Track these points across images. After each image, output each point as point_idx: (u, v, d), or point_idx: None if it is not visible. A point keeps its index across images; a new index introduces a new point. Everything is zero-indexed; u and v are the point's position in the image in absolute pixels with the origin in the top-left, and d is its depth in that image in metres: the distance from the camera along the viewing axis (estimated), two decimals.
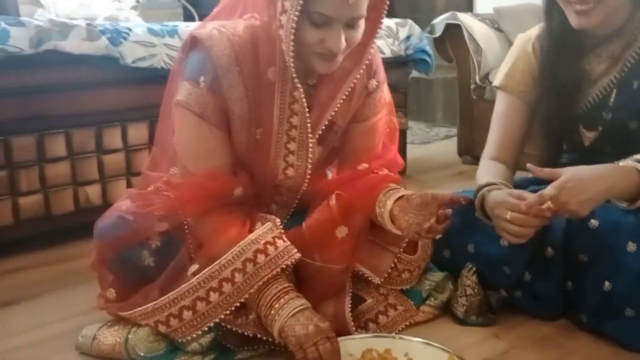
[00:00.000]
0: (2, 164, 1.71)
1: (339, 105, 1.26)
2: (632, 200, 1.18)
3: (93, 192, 1.86)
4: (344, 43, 1.12)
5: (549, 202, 1.13)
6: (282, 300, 1.11)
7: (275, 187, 1.31)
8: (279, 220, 1.24)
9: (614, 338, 1.21)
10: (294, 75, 1.16)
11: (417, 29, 2.54)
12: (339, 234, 1.23)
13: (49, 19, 1.72)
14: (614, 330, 1.21)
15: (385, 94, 1.37)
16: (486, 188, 1.29)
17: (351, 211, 1.24)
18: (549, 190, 1.14)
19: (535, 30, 1.47)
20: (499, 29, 2.75)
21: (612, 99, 1.32)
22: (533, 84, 1.44)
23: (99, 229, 1.24)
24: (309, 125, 1.23)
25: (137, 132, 1.91)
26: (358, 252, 1.27)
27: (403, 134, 2.66)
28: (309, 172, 1.28)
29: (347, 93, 1.26)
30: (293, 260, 1.16)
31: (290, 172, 1.27)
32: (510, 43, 2.71)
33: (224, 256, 1.12)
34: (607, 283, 1.21)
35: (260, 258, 1.13)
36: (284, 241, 1.17)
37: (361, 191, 1.26)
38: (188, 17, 3.55)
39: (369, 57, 1.28)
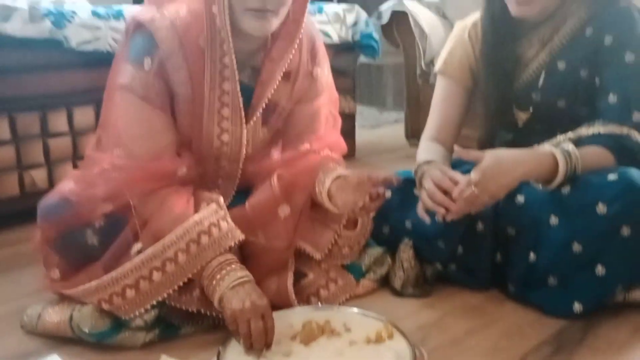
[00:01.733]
0: None
1: (277, 83, 1.29)
2: (548, 182, 1.27)
3: (39, 176, 1.85)
4: None
5: (473, 188, 1.20)
6: (223, 271, 1.14)
7: (217, 161, 1.34)
8: (222, 199, 1.27)
9: (538, 306, 1.30)
10: (229, 35, 1.18)
11: (363, 14, 2.59)
12: (281, 212, 1.28)
13: None
14: (538, 298, 1.30)
15: (326, 77, 1.42)
16: (425, 167, 1.36)
17: (292, 190, 1.29)
18: (473, 175, 1.22)
19: (471, 18, 1.55)
20: (444, 16, 2.82)
21: (540, 81, 1.40)
22: (469, 70, 1.52)
23: (42, 209, 1.25)
24: (238, 89, 1.25)
25: (84, 116, 1.90)
26: (300, 230, 1.32)
27: (352, 117, 2.72)
28: (244, 136, 1.31)
29: (283, 70, 1.29)
30: (236, 242, 1.20)
31: (225, 137, 1.29)
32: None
33: (168, 236, 1.15)
34: (532, 255, 1.30)
35: (204, 240, 1.16)
36: (227, 223, 1.20)
37: (302, 170, 1.30)
38: (137, 1, 3.52)
39: (315, 46, 1.34)
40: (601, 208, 1.21)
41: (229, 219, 1.22)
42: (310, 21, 1.35)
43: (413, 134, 2.94)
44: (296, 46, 1.29)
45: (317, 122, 1.42)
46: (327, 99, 1.44)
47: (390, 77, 4.00)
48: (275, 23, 1.21)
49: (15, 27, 1.68)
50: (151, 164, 1.22)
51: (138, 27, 1.23)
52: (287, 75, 1.32)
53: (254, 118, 1.31)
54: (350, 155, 2.71)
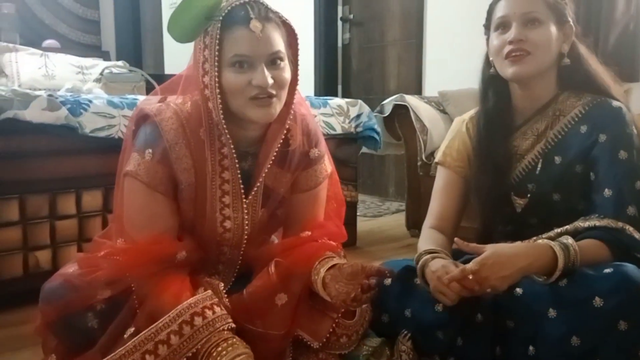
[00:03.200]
0: None
1: (268, 166, 1.32)
2: (549, 274, 1.28)
3: (43, 257, 1.88)
4: (270, 79, 1.21)
5: (470, 276, 1.22)
6: (220, 347, 1.14)
7: (219, 246, 1.36)
8: (222, 285, 1.29)
9: None
10: (225, 130, 1.23)
11: (366, 108, 2.70)
12: (279, 300, 1.28)
13: (11, 89, 1.79)
14: None
15: (326, 166, 1.46)
16: (428, 255, 1.38)
17: (290, 278, 1.30)
18: (471, 265, 1.24)
19: (469, 113, 1.63)
20: (443, 111, 2.93)
21: (537, 172, 1.45)
22: (468, 160, 1.58)
23: (45, 292, 1.26)
24: (239, 177, 1.30)
25: (92, 199, 1.95)
26: (298, 318, 1.31)
27: (353, 206, 2.77)
28: (246, 224, 1.34)
29: (275, 153, 1.32)
30: (228, 326, 1.19)
31: (227, 224, 1.33)
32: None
33: (161, 319, 1.15)
34: (531, 348, 1.29)
35: (198, 321, 1.16)
36: (221, 309, 1.21)
37: (300, 258, 1.32)
38: (150, 91, 3.66)
39: (309, 127, 1.39)
40: (598, 302, 1.21)
41: (222, 306, 1.23)
42: (301, 104, 1.40)
43: (414, 224, 2.97)
44: (287, 126, 1.33)
45: (317, 208, 1.45)
46: (327, 184, 1.47)
47: (392, 167, 4.09)
48: (277, 108, 1.26)
49: (33, 114, 1.77)
50: (151, 247, 1.24)
51: (144, 118, 1.29)
52: (281, 162, 1.35)
53: (250, 196, 1.34)
54: (351, 244, 2.76)
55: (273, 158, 1.32)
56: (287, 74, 1.26)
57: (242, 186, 1.32)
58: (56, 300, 1.24)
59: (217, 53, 1.19)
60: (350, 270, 1.23)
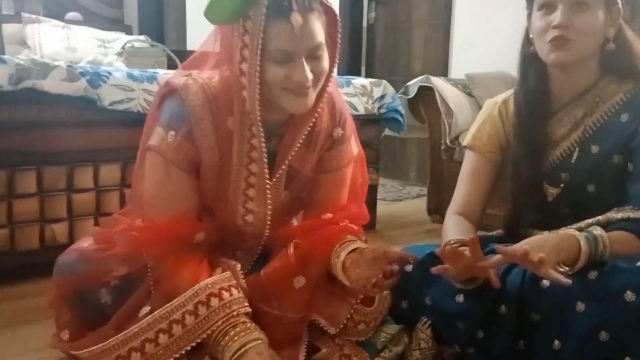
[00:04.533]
0: None
1: (296, 149, 1.28)
2: (573, 264, 1.23)
3: (60, 230, 1.87)
4: (310, 74, 1.16)
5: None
6: (238, 328, 1.12)
7: (239, 234, 1.33)
8: (239, 266, 1.25)
9: None
10: (259, 121, 1.18)
11: (390, 89, 2.63)
12: (297, 283, 1.25)
13: (30, 59, 1.76)
14: None
15: (352, 147, 1.41)
16: (455, 245, 1.33)
17: (309, 261, 1.26)
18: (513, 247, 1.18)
19: (502, 96, 1.56)
20: (470, 94, 2.86)
21: (573, 160, 1.39)
22: (499, 145, 1.52)
23: (59, 266, 1.24)
24: (266, 172, 1.25)
25: (109, 173, 1.93)
26: (315, 302, 1.29)
27: (374, 189, 2.72)
28: (269, 218, 1.30)
29: (304, 136, 1.28)
30: (245, 310, 1.17)
31: (249, 218, 1.29)
32: (479, 107, 2.80)
33: (177, 298, 1.13)
34: (556, 342, 1.24)
35: (214, 302, 1.14)
36: (238, 292, 1.18)
37: (319, 241, 1.28)
38: (172, 67, 3.63)
39: (335, 106, 1.34)
40: (630, 295, 1.16)
41: (240, 289, 1.20)
42: (335, 89, 1.36)
43: (435, 209, 2.92)
44: (319, 109, 1.28)
45: (340, 190, 1.41)
46: (352, 167, 1.43)
47: (415, 151, 4.03)
48: (314, 96, 1.21)
49: (52, 85, 1.74)
50: (169, 226, 1.21)
51: (171, 92, 1.24)
52: (307, 142, 1.31)
53: (274, 179, 1.30)
54: (370, 227, 2.71)
55: (301, 141, 1.28)
56: (325, 64, 1.21)
57: (268, 182, 1.27)
58: (70, 275, 1.23)
59: (260, 41, 1.12)
60: (372, 255, 1.19)
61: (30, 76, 1.70)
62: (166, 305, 1.13)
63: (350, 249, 1.25)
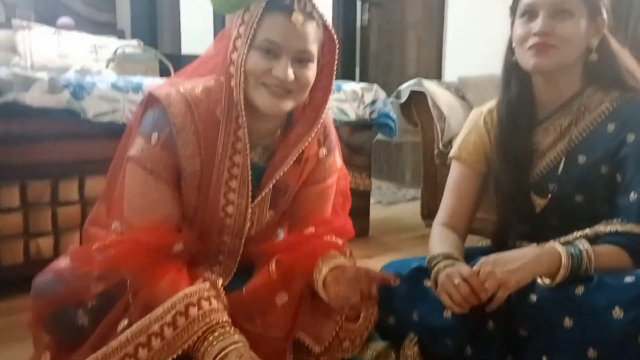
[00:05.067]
0: None
1: (287, 167, 1.29)
2: (553, 277, 1.21)
3: (44, 244, 1.84)
4: (292, 75, 1.16)
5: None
6: (217, 332, 1.10)
7: (220, 235, 1.31)
8: (221, 281, 1.23)
9: None
10: (243, 112, 1.19)
11: (382, 94, 2.61)
12: (279, 300, 1.23)
13: (12, 72, 1.74)
14: None
15: (336, 160, 1.40)
16: (445, 262, 1.30)
17: (291, 277, 1.25)
18: (476, 266, 1.19)
19: (487, 105, 1.54)
20: (463, 97, 2.83)
21: (559, 172, 1.37)
22: (484, 156, 1.49)
23: (36, 287, 1.23)
24: (249, 162, 1.25)
25: (95, 185, 1.91)
26: (300, 320, 1.26)
27: (366, 195, 2.70)
28: (250, 210, 1.29)
29: (296, 155, 1.29)
30: (225, 318, 1.15)
31: (230, 209, 1.27)
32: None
33: (155, 310, 1.11)
34: (545, 358, 1.22)
35: (192, 312, 1.12)
36: (218, 302, 1.17)
37: (302, 256, 1.27)
38: (164, 72, 3.61)
39: (325, 129, 1.34)
40: (617, 312, 1.14)
41: (222, 299, 1.19)
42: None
43: (429, 214, 2.88)
44: (313, 134, 1.29)
45: (324, 204, 1.40)
46: (336, 179, 1.42)
47: (410, 153, 4.01)
48: (289, 105, 1.21)
49: (34, 97, 1.72)
50: (147, 236, 1.20)
51: (152, 101, 1.24)
52: (298, 159, 1.31)
53: (260, 198, 1.30)
54: (363, 234, 2.70)
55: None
56: (311, 75, 1.21)
57: (250, 172, 1.26)
58: (47, 295, 1.21)
59: (252, 32, 1.15)
60: (353, 273, 1.17)
61: (11, 89, 1.68)
62: (144, 318, 1.11)
63: (333, 265, 1.23)
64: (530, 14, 1.31)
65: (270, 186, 1.29)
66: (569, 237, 1.29)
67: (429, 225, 2.89)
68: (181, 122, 1.20)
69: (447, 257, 1.32)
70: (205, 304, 1.13)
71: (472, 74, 2.93)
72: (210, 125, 1.22)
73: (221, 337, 1.11)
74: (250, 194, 1.28)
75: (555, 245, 1.23)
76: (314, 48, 1.20)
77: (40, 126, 1.79)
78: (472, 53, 3.39)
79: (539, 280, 1.23)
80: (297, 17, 1.15)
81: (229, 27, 1.22)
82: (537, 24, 1.28)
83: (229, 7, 1.21)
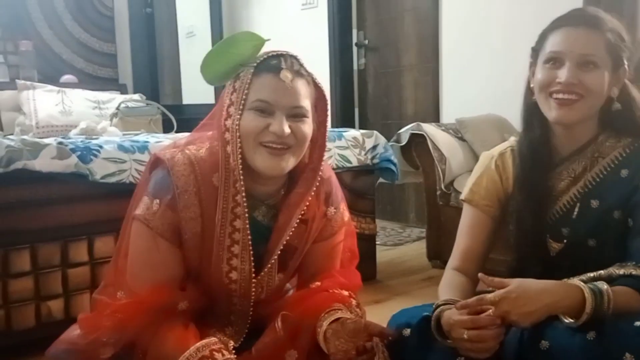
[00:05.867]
0: None
1: (293, 228, 1.30)
2: (576, 317, 1.21)
3: (55, 306, 1.86)
4: (288, 129, 1.19)
5: (490, 311, 1.16)
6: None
7: (227, 295, 1.32)
8: (232, 343, 1.24)
9: None
10: (241, 176, 1.20)
11: (382, 139, 2.65)
12: (289, 358, 1.23)
13: (21, 139, 1.78)
14: None
15: (344, 215, 1.42)
16: (440, 308, 1.31)
17: (298, 332, 1.24)
18: (491, 295, 1.17)
19: (497, 149, 1.55)
20: (461, 138, 2.87)
21: (574, 215, 1.38)
22: (497, 199, 1.50)
23: (49, 358, 1.23)
24: (248, 227, 1.26)
25: (103, 245, 1.93)
26: None
27: (372, 239, 2.72)
28: (254, 275, 1.29)
29: (300, 216, 1.30)
30: None
31: (234, 275, 1.28)
32: (472, 151, 2.83)
33: None
34: None
35: None
36: (229, 353, 1.17)
37: (307, 310, 1.27)
38: (167, 124, 3.67)
39: (324, 185, 1.35)
40: (628, 358, 1.14)
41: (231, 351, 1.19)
42: (326, 166, 1.38)
43: (435, 255, 2.90)
44: (313, 193, 1.30)
45: (332, 260, 1.41)
46: (344, 236, 1.43)
47: (412, 193, 4.03)
48: (290, 163, 1.23)
49: (43, 164, 1.76)
50: (150, 297, 1.21)
51: (157, 163, 1.28)
52: (304, 220, 1.32)
53: (269, 264, 1.30)
54: (371, 277, 2.70)
55: (296, 224, 1.29)
56: (307, 129, 1.24)
57: (250, 237, 1.27)
58: None
59: (244, 97, 1.19)
60: (352, 327, 1.17)
61: (21, 157, 1.72)
62: None
63: (333, 318, 1.23)
64: (556, 61, 1.31)
65: (277, 253, 1.30)
66: (583, 277, 1.29)
67: (436, 266, 2.91)
68: (184, 183, 1.22)
69: (444, 304, 1.31)
70: (218, 355, 1.14)
71: (469, 114, 2.99)
72: (210, 189, 1.24)
73: None
74: (251, 257, 1.28)
75: (578, 284, 1.21)
76: (306, 103, 1.23)
77: (50, 190, 1.82)
78: (468, 93, 3.47)
79: (562, 319, 1.22)
80: (286, 74, 1.19)
81: (222, 96, 1.26)
82: (563, 74, 1.29)
83: (220, 78, 1.26)
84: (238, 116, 1.18)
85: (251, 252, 1.28)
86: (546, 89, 1.33)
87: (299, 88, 1.21)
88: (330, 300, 1.30)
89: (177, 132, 3.25)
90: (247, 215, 1.25)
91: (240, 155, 1.19)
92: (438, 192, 2.79)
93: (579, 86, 1.28)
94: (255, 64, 1.20)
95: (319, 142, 1.30)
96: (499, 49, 3.27)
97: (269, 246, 1.30)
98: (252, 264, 1.29)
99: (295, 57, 1.24)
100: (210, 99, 4.19)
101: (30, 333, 1.83)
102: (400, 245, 3.51)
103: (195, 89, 4.77)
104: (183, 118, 3.75)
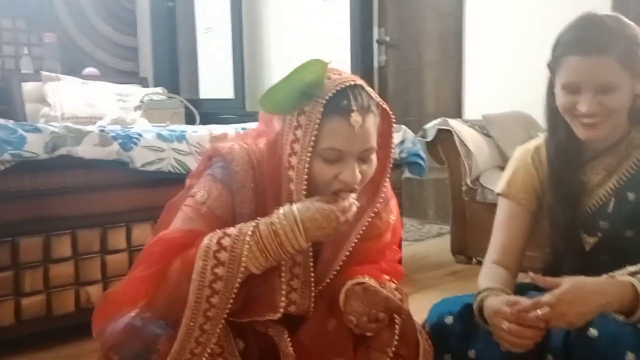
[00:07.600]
0: (7, 265, 1.74)
1: (353, 244, 1.26)
2: (629, 313, 1.22)
3: (94, 292, 1.88)
4: (359, 175, 1.14)
5: (539, 312, 1.17)
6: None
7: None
8: (287, 333, 1.22)
9: None
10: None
11: (410, 134, 2.66)
12: (330, 326, 1.23)
13: (64, 125, 1.80)
14: None
15: (391, 213, 1.38)
16: (484, 293, 1.33)
17: (334, 302, 1.24)
18: (548, 297, 1.18)
19: (533, 143, 1.56)
20: (487, 135, 2.88)
21: (609, 208, 1.39)
22: (534, 192, 1.51)
23: (107, 335, 1.24)
24: (311, 262, 1.23)
25: (141, 233, 1.95)
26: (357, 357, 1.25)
27: None
28: (312, 306, 1.25)
29: (361, 232, 1.26)
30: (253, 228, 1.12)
31: (292, 309, 1.23)
32: (498, 148, 2.85)
33: (195, 267, 1.08)
34: None
35: (226, 241, 1.09)
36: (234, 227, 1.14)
37: (341, 282, 1.25)
38: (189, 117, 3.70)
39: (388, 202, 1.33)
40: None
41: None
42: (388, 189, 1.35)
43: (459, 250, 2.91)
44: (375, 208, 1.27)
45: (378, 257, 1.38)
46: (390, 237, 1.40)
47: (432, 190, 4.04)
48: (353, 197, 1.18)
49: (85, 150, 1.78)
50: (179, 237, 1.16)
51: (215, 156, 1.25)
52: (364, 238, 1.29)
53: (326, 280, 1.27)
54: None
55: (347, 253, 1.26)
56: (373, 167, 1.19)
57: (312, 273, 1.23)
58: (119, 343, 1.22)
59: (313, 139, 1.12)
60: (373, 295, 1.18)
61: (65, 143, 1.74)
62: (193, 278, 1.08)
63: (359, 281, 1.23)
64: (572, 88, 1.32)
65: (334, 272, 1.26)
66: (625, 271, 1.31)
67: (460, 261, 2.92)
68: (242, 178, 1.20)
69: (487, 289, 1.33)
70: (228, 232, 1.12)
71: (492, 111, 3.00)
72: (268, 184, 1.21)
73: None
74: (312, 295, 1.24)
75: (633, 282, 1.22)
76: (374, 141, 1.17)
77: (89, 177, 1.85)
78: (492, 91, 3.47)
79: (615, 316, 1.24)
80: (357, 119, 1.12)
81: (281, 127, 1.18)
82: (583, 104, 1.30)
83: (279, 110, 1.18)
84: (308, 158, 1.12)
85: (312, 289, 1.24)
86: (569, 111, 1.34)
87: (369, 128, 1.15)
88: (362, 272, 1.28)
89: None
90: (310, 250, 1.21)
91: (304, 195, 1.15)
92: (464, 188, 2.80)
93: (602, 109, 1.29)
94: (324, 101, 1.12)
95: (379, 154, 1.23)
96: (523, 45, 3.28)
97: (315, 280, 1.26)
98: (312, 300, 1.24)
99: (362, 89, 1.17)
100: (227, 95, 4.20)
101: (70, 318, 1.85)
102: (421, 241, 3.52)
103: (212, 85, 4.81)
104: (202, 112, 3.79)
